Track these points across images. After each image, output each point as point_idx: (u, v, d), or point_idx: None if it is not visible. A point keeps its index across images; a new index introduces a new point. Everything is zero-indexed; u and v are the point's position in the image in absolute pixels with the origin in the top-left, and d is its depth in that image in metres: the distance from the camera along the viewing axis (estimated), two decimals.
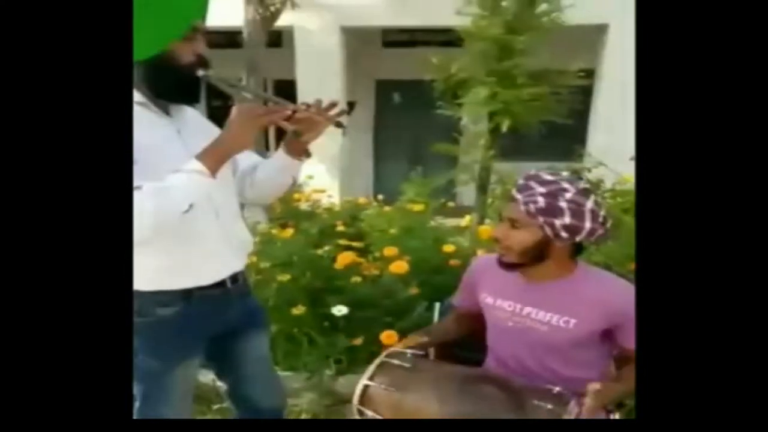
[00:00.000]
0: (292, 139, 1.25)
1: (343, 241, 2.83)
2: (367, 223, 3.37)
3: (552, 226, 1.13)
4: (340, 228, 3.18)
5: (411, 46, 6.78)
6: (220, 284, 1.22)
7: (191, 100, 1.17)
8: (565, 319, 1.20)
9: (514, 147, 4.03)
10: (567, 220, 1.12)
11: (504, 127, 3.52)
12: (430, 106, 4.21)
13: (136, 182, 0.97)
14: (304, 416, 2.09)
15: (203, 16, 1.12)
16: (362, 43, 6.81)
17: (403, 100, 7.54)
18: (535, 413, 1.07)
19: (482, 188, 3.77)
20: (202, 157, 1.04)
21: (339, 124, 1.19)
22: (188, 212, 1.03)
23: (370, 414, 1.21)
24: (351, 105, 6.84)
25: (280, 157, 1.28)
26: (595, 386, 1.09)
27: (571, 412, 1.06)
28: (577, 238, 1.16)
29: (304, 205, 3.99)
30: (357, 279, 2.42)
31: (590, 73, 5.13)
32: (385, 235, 2.96)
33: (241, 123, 1.07)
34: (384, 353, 1.31)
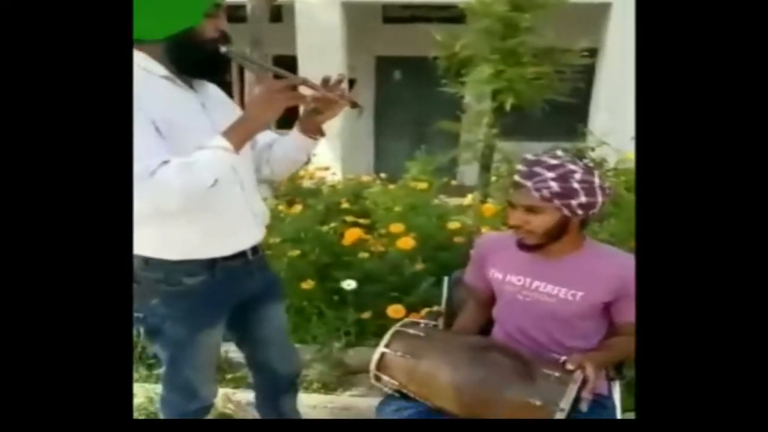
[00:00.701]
0: (308, 118, 1.28)
1: (349, 218, 2.87)
2: (371, 200, 3.41)
3: (569, 206, 1.18)
4: (345, 205, 3.22)
5: (411, 22, 6.71)
6: (242, 255, 1.27)
7: (214, 75, 1.20)
8: (572, 292, 1.25)
9: (517, 126, 4.02)
10: (582, 199, 1.17)
11: (507, 106, 3.53)
12: (430, 83, 4.20)
13: (164, 156, 1.01)
14: (315, 386, 2.16)
15: None
16: (363, 18, 6.74)
17: (404, 77, 7.50)
18: (544, 380, 1.13)
19: (485, 167, 3.79)
20: (227, 134, 1.08)
21: (355, 104, 1.22)
22: (214, 186, 1.07)
23: (386, 379, 1.27)
24: (351, 82, 6.81)
25: (295, 136, 1.31)
26: (577, 356, 1.16)
27: (577, 379, 1.12)
28: (591, 212, 1.21)
29: (308, 183, 4.02)
30: (364, 255, 2.47)
31: (593, 52, 5.12)
32: (390, 213, 3.00)
33: (264, 102, 1.10)
34: (399, 323, 1.36)
